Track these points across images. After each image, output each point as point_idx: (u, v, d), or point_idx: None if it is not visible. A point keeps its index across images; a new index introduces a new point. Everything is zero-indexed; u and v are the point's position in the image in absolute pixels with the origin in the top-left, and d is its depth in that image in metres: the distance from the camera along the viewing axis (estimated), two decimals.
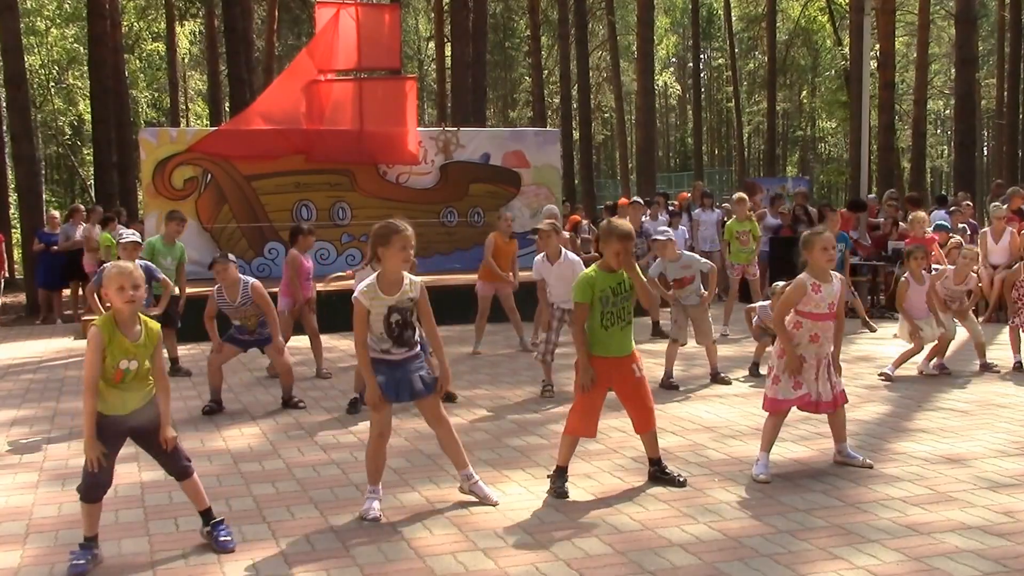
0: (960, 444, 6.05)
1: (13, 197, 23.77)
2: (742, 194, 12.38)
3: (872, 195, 17.00)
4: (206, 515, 4.49)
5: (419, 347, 4.98)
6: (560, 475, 5.18)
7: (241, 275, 7.80)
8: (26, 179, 18.52)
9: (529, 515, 4.80)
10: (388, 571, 4.11)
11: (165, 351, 9.45)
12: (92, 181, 27.76)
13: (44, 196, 26.16)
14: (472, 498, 5.06)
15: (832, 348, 5.47)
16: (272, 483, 5.50)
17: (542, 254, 8.21)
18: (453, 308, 11.50)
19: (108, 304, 4.26)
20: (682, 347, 8.47)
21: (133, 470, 5.84)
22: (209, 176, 14.55)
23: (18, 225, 23.29)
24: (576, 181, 34.63)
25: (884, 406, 7.29)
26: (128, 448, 6.36)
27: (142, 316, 4.31)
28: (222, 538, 4.40)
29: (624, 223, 5.21)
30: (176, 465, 4.47)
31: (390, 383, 4.81)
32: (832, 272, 5.48)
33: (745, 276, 11.85)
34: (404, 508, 4.95)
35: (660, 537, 4.44)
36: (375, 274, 4.85)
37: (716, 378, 8.40)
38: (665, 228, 9.31)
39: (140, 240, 9.40)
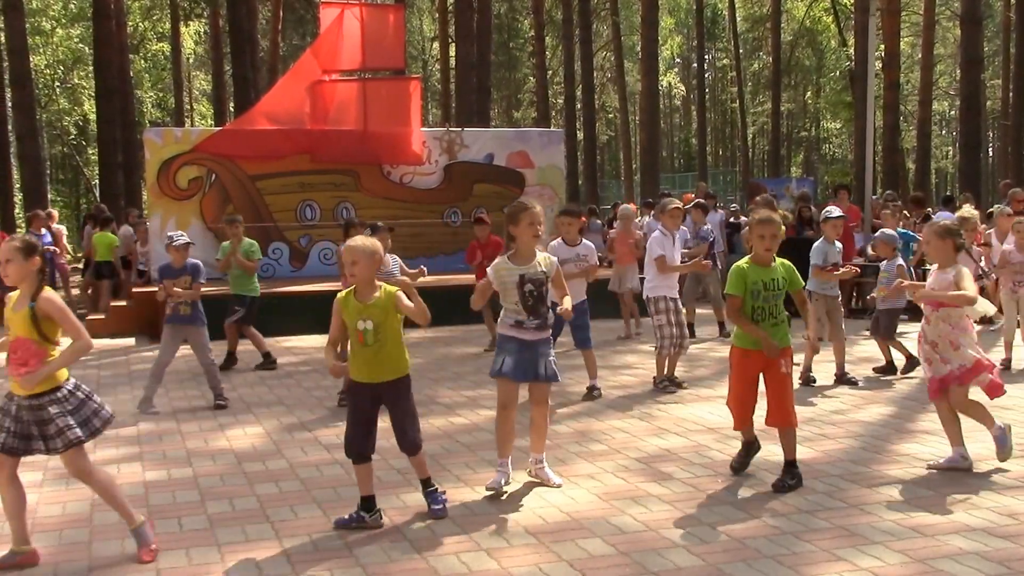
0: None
1: (18, 197, 23.86)
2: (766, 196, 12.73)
3: (875, 196, 16.96)
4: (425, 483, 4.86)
5: (550, 332, 5.25)
6: (747, 450, 5.46)
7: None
8: (31, 179, 18.62)
9: (532, 515, 4.81)
10: (391, 571, 4.11)
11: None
12: (97, 181, 27.86)
13: (49, 196, 26.22)
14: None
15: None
16: (276, 483, 5.50)
17: (658, 231, 8.12)
18: (457, 309, 11.47)
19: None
20: (690, 349, 8.42)
21: (137, 470, 5.86)
22: (213, 176, 14.56)
23: (23, 225, 23.36)
24: (580, 181, 34.67)
25: (888, 407, 7.28)
26: (131, 448, 6.43)
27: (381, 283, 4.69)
28: (435, 505, 4.77)
29: (764, 210, 5.50)
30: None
31: (519, 367, 5.11)
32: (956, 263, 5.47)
33: None
34: (407, 508, 4.95)
35: (663, 538, 4.44)
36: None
37: (842, 379, 8.15)
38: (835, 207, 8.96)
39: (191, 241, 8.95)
